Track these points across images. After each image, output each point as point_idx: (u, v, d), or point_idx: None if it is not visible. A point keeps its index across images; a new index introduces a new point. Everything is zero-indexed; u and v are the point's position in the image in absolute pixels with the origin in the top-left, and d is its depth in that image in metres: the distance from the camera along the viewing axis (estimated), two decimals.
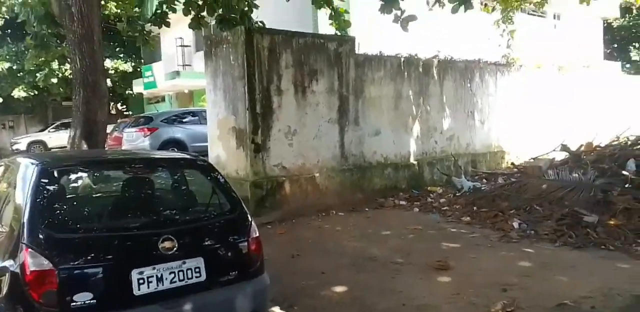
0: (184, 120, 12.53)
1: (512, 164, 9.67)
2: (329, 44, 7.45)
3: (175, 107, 19.95)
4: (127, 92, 22.07)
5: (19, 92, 20.01)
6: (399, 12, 6.42)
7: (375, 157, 8.12)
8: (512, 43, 10.04)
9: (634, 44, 26.14)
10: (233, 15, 8.24)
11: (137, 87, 20.19)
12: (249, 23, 8.39)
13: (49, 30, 12.29)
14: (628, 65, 23.32)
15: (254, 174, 6.77)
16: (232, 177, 6.72)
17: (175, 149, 11.83)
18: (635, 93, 13.32)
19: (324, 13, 8.62)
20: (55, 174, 2.73)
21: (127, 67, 21.65)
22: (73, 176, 3.15)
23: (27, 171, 2.79)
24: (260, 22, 8.49)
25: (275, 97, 6.92)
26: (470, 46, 10.99)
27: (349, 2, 9.41)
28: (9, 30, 19.37)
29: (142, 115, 14.52)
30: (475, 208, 7.02)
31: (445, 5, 8.08)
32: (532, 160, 9.73)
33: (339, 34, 8.43)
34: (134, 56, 22.25)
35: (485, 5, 9.34)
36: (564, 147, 9.08)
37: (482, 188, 8.05)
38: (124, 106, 25.08)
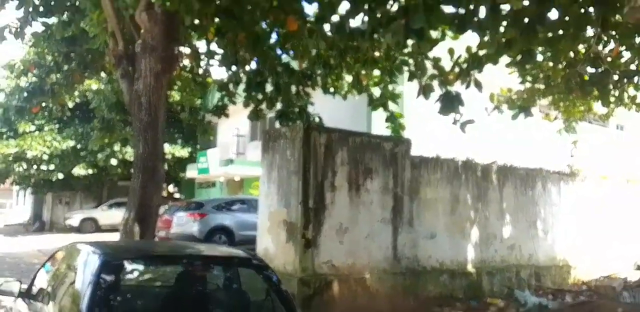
0: (234, 207, 12.64)
1: (583, 282, 8.84)
2: (384, 144, 7.46)
3: (225, 193, 20.30)
4: (180, 175, 22.82)
5: (79, 170, 21.09)
6: (458, 116, 6.45)
7: (430, 261, 7.64)
8: (575, 152, 9.76)
9: None
10: (292, 109, 8.63)
11: (191, 171, 20.89)
12: (306, 118, 8.72)
13: (118, 117, 13.27)
14: None
15: (302, 271, 6.45)
16: (280, 271, 6.40)
17: (223, 236, 11.76)
18: None
19: (380, 112, 8.86)
20: (116, 266, 2.78)
21: (184, 152, 22.65)
22: (131, 269, 3.14)
23: (88, 259, 2.81)
24: (318, 117, 8.79)
25: (329, 193, 6.81)
26: (531, 154, 10.79)
27: (402, 104, 9.63)
28: (78, 112, 21.01)
29: (193, 200, 14.80)
30: None
31: (504, 112, 8.16)
32: (603, 278, 8.90)
33: (393, 135, 8.54)
34: (191, 142, 23.38)
35: (547, 114, 9.28)
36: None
37: (549, 306, 7.33)
38: (176, 188, 25.79)
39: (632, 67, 6.64)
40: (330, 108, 10.03)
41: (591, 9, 4.92)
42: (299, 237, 6.52)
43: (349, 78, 8.28)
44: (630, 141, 16.51)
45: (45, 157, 20.60)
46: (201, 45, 8.90)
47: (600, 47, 6.11)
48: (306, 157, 6.66)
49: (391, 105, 8.62)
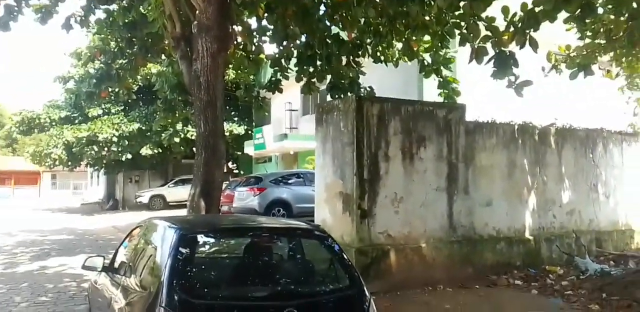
0: (290, 181, 13.02)
1: None
2: (437, 112, 7.41)
3: (280, 167, 20.83)
4: (237, 152, 23.56)
5: (146, 150, 22.29)
6: (512, 78, 6.28)
7: (487, 229, 7.63)
8: (638, 111, 9.27)
9: None
10: (342, 81, 8.69)
11: (248, 148, 21.51)
12: (357, 89, 8.77)
13: (179, 98, 13.80)
14: None
15: (359, 241, 6.65)
16: (338, 242, 6.64)
17: (281, 209, 12.21)
18: None
19: (431, 80, 8.74)
20: (192, 239, 2.95)
21: (241, 130, 23.32)
22: (205, 241, 3.36)
23: (165, 233, 3.04)
24: (369, 87, 8.80)
25: (383, 163, 6.91)
26: (591, 113, 10.33)
27: (456, 69, 9.42)
28: (141, 95, 22.02)
29: (252, 175, 15.33)
30: (604, 295, 6.23)
31: (562, 71, 7.83)
32: None
33: (447, 101, 8.42)
34: (246, 119, 23.99)
35: (608, 71, 8.82)
36: None
37: (612, 272, 7.17)
38: (235, 165, 26.67)
39: None
40: (380, 77, 9.99)
41: None
42: (355, 208, 6.69)
43: (399, 45, 8.20)
44: None
45: (115, 139, 21.89)
46: (252, 22, 9.05)
47: None
48: (359, 128, 6.76)
49: (444, 71, 8.49)
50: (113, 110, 23.49)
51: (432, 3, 5.87)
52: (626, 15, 5.89)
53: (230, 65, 13.02)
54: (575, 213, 8.55)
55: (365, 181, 6.77)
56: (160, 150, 22.70)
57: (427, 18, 6.74)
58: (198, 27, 7.13)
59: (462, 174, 7.49)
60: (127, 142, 22.22)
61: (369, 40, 8.24)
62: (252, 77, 18.93)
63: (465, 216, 7.46)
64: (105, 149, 22.26)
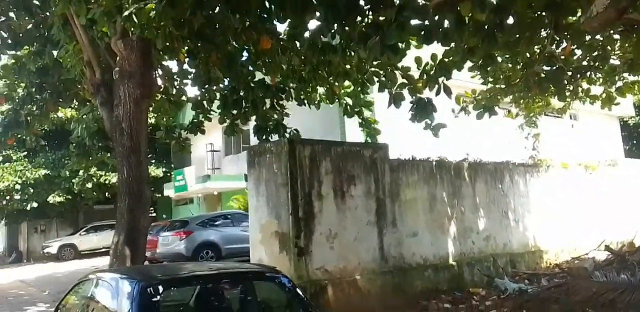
0: (218, 223, 12.88)
1: (555, 264, 9.45)
2: (364, 151, 7.88)
3: (203, 208, 20.38)
4: (157, 194, 22.74)
5: (54, 198, 20.83)
6: (429, 121, 6.94)
7: (415, 258, 8.08)
8: (537, 145, 10.46)
9: None
10: (269, 123, 8.93)
11: (168, 190, 20.87)
12: (283, 131, 9.05)
13: (99, 143, 13.28)
14: None
15: (298, 278, 6.75)
16: None
17: (210, 251, 11.97)
18: None
19: (352, 121, 9.28)
20: (153, 291, 2.91)
21: (159, 172, 22.62)
22: (167, 292, 3.31)
23: (122, 287, 2.96)
24: (295, 130, 9.13)
25: (317, 202, 7.17)
26: (498, 148, 11.44)
27: (375, 110, 10.09)
28: (50, 140, 20.80)
29: (177, 219, 14.96)
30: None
31: (470, 113, 8.74)
32: (573, 260, 9.53)
33: (369, 140, 8.97)
34: (164, 161, 23.37)
35: (509, 112, 9.95)
36: (607, 248, 8.94)
37: (528, 290, 7.80)
38: (152, 208, 25.60)
39: (584, 63, 7.27)
40: (303, 119, 10.37)
41: (544, 13, 5.47)
42: (292, 247, 6.83)
43: (321, 90, 8.65)
44: (584, 129, 17.59)
45: (18, 187, 20.27)
46: (173, 65, 9.11)
47: (553, 47, 6.70)
48: (292, 170, 7.00)
49: (365, 112, 9.05)
50: (15, 157, 21.82)
51: (353, 54, 6.37)
52: (522, 64, 6.82)
53: (151, 108, 12.84)
54: (491, 238, 9.29)
55: (300, 220, 6.96)
56: (70, 197, 21.33)
57: (348, 66, 7.25)
58: (120, 74, 7.11)
59: (390, 208, 7.93)
60: (32, 190, 20.67)
61: (292, 85, 8.57)
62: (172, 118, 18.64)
63: (395, 247, 7.86)
64: (8, 197, 20.51)
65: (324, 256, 7.05)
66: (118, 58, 7.25)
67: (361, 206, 7.61)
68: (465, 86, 9.65)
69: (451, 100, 7.38)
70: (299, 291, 3.42)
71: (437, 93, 6.44)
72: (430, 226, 8.43)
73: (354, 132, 9.59)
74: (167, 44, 5.91)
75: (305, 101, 8.98)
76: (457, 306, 7.49)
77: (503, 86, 7.76)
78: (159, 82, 9.01)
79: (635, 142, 26.78)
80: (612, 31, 6.19)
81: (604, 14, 4.51)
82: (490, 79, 7.67)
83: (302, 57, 7.31)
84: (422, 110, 6.70)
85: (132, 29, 6.26)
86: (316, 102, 9.16)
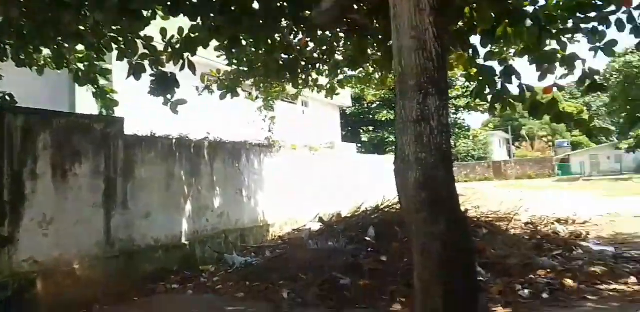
0: None
1: (279, 237, 10.38)
2: (95, 125, 7.03)
3: None
4: None
5: None
6: (169, 96, 6.62)
7: (146, 240, 7.70)
8: (273, 127, 11.22)
9: (362, 128, 34.94)
10: None
11: None
12: None
13: None
14: (359, 146, 28.69)
15: None
16: None
17: None
18: (369, 169, 16.12)
19: (85, 92, 8.16)
20: None
21: None
22: None
23: None
24: (9, 95, 7.53)
25: (29, 182, 6.09)
26: (239, 129, 11.81)
27: (113, 80, 9.13)
28: None
29: None
30: (247, 283, 7.16)
31: (214, 92, 8.73)
32: (294, 231, 10.64)
33: (104, 113, 8.05)
34: None
35: (250, 94, 10.32)
36: (320, 219, 10.25)
37: (253, 262, 8.33)
38: None
39: (315, 55, 7.97)
40: (28, 84, 8.66)
41: (286, 4, 5.75)
42: None
43: (48, 52, 7.30)
44: (312, 115, 19.85)
45: None
46: None
47: (292, 38, 7.13)
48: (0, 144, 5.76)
49: (101, 81, 8.03)
50: None
51: (88, 14, 5.53)
52: (263, 50, 7.06)
53: None
54: (224, 215, 9.57)
55: (6, 204, 5.83)
56: None
57: (82, 28, 6.28)
58: None
59: (122, 188, 7.33)
60: None
61: (9, 41, 7.02)
62: None
63: (124, 229, 7.33)
64: None
65: (34, 245, 6.07)
66: None
67: (87, 186, 6.81)
68: (212, 65, 9.59)
69: (195, 78, 7.19)
70: None
71: (182, 68, 6.20)
72: (166, 205, 8.16)
73: (88, 104, 8.45)
74: None
75: (27, 63, 7.43)
76: (186, 286, 7.51)
77: (246, 69, 7.94)
78: None
79: (350, 128, 34.73)
80: (339, 29, 6.93)
81: (330, 11, 5.07)
82: (235, 61, 7.75)
83: (23, 9, 6.00)
84: (164, 85, 6.33)
85: None
86: (40, 64, 7.66)
